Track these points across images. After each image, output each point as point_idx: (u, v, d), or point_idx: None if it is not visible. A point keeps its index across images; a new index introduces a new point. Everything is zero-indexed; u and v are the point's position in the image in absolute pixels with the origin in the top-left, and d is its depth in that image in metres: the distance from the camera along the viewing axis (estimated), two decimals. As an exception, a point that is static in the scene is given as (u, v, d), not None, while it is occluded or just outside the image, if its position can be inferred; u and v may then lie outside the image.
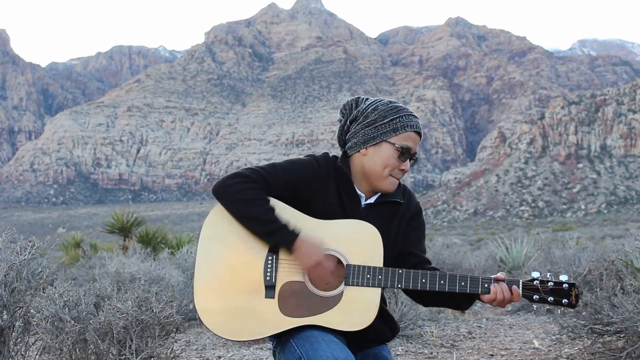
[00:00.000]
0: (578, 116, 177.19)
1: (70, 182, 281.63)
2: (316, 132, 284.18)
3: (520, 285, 2.33)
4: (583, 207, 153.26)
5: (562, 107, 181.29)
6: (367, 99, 2.51)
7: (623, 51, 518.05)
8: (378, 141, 2.42)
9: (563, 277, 2.32)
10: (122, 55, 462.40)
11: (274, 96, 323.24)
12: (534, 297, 2.31)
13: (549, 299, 2.30)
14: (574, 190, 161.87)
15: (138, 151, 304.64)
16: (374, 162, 2.43)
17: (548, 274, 2.35)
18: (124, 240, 12.66)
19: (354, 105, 2.52)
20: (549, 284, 2.32)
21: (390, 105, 2.44)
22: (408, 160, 2.45)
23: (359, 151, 2.47)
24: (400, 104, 2.46)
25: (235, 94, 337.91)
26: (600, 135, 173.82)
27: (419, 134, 2.45)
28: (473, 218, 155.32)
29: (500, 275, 2.36)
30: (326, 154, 2.56)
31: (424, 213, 2.50)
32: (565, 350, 4.86)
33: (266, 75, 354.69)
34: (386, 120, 2.40)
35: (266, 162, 2.25)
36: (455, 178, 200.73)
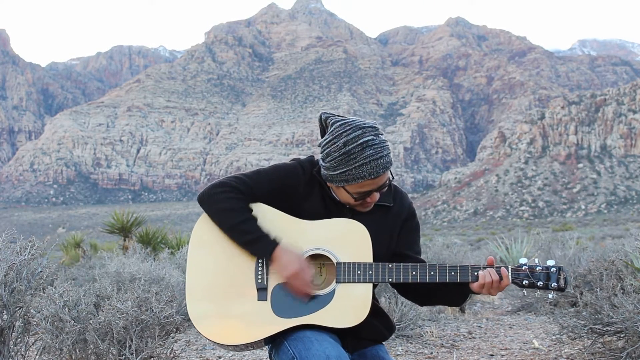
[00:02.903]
0: (578, 116, 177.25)
1: (70, 182, 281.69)
2: (316, 132, 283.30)
3: (510, 270, 2.38)
4: (583, 207, 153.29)
5: (562, 107, 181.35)
6: (333, 127, 2.38)
7: (623, 51, 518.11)
8: (335, 185, 2.40)
9: (550, 262, 2.38)
10: (122, 55, 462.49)
11: (274, 96, 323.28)
12: (524, 282, 2.36)
13: (538, 283, 2.34)
14: (574, 190, 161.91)
15: (138, 151, 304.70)
16: (338, 195, 2.46)
17: (536, 259, 2.40)
18: (124, 240, 12.64)
19: (325, 126, 2.46)
20: (537, 268, 2.37)
21: (343, 150, 2.31)
22: (372, 194, 2.41)
23: None
24: (360, 141, 2.30)
25: (235, 94, 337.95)
26: (600, 135, 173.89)
27: (377, 176, 2.34)
28: (473, 218, 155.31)
29: (490, 259, 2.41)
30: (311, 157, 2.57)
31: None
32: (565, 350, 4.86)
33: (266, 75, 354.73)
34: (337, 172, 2.34)
35: (266, 163, 2.55)
36: (455, 178, 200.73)
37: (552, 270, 2.35)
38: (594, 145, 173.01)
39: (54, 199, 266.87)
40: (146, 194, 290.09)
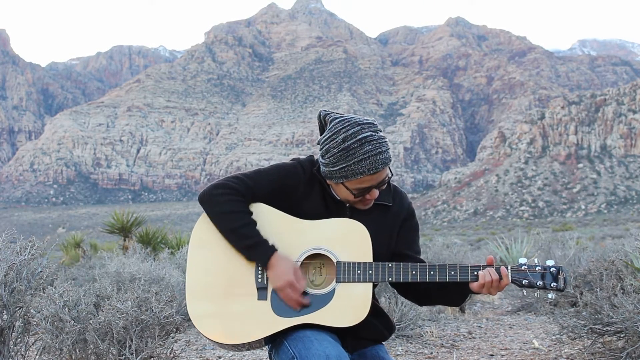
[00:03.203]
0: (578, 116, 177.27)
1: (70, 182, 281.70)
2: (316, 132, 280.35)
3: (509, 270, 2.38)
4: (583, 207, 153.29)
5: (562, 107, 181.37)
6: (332, 123, 2.41)
7: (623, 51, 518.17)
8: (335, 182, 2.42)
9: (550, 262, 2.38)
10: (122, 55, 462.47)
11: (274, 96, 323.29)
12: (523, 282, 2.36)
13: (537, 283, 2.34)
14: (574, 190, 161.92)
15: (138, 151, 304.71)
16: (338, 193, 2.47)
17: (535, 259, 2.40)
18: (124, 240, 12.64)
19: (323, 124, 2.50)
20: (537, 268, 2.37)
21: (342, 146, 2.33)
22: (372, 191, 2.42)
23: None
24: (359, 137, 2.32)
25: (235, 94, 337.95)
26: (600, 135, 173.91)
27: (376, 172, 2.35)
28: (473, 218, 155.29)
29: (489, 258, 2.41)
30: (311, 157, 2.59)
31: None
32: (565, 350, 4.86)
33: (266, 75, 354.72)
34: (336, 167, 2.35)
35: (266, 163, 2.58)
36: (455, 178, 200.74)
37: (551, 270, 2.36)
38: (594, 145, 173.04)
39: (54, 199, 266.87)
40: (146, 194, 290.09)
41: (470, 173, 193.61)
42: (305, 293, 2.35)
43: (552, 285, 2.34)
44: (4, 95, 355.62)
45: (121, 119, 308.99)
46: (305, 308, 2.33)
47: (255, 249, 2.35)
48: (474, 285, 2.37)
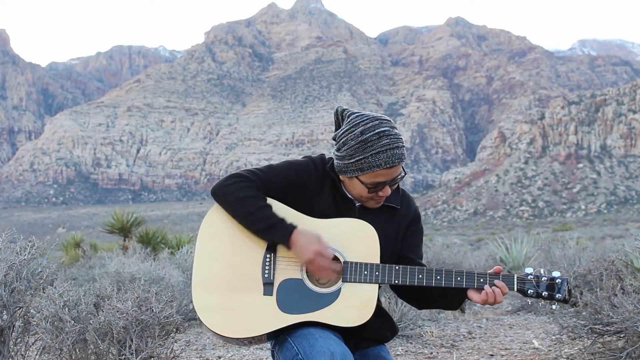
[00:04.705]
0: (578, 116, 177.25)
1: (70, 182, 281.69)
2: (316, 132, 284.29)
3: (515, 280, 2.40)
4: (583, 207, 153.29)
5: (562, 107, 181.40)
6: (349, 118, 2.45)
7: (623, 51, 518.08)
8: (349, 176, 2.43)
9: (556, 274, 2.41)
10: (122, 55, 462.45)
11: (274, 96, 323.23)
12: (529, 292, 2.39)
13: (543, 294, 2.38)
14: (574, 190, 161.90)
15: (138, 151, 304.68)
16: (350, 189, 2.48)
17: (541, 269, 2.43)
18: (124, 240, 12.67)
19: (340, 119, 2.52)
20: (543, 278, 2.40)
21: (360, 138, 2.35)
22: (385, 187, 2.43)
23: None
24: (377, 130, 2.36)
25: (235, 94, 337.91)
26: (600, 135, 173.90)
27: (392, 166, 2.37)
28: (473, 218, 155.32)
29: (497, 268, 2.42)
30: (322, 155, 2.60)
31: (423, 214, 2.48)
32: (565, 350, 4.85)
33: (266, 75, 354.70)
34: (353, 160, 2.37)
35: (266, 163, 2.56)
36: (455, 178, 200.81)
37: (557, 281, 2.39)
38: (594, 145, 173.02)
39: (54, 199, 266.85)
40: (146, 194, 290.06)
41: (470, 173, 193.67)
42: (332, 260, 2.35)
43: (557, 296, 2.38)
44: (4, 95, 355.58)
45: (121, 119, 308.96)
46: (312, 303, 2.32)
47: (275, 229, 2.35)
48: (474, 298, 2.40)
